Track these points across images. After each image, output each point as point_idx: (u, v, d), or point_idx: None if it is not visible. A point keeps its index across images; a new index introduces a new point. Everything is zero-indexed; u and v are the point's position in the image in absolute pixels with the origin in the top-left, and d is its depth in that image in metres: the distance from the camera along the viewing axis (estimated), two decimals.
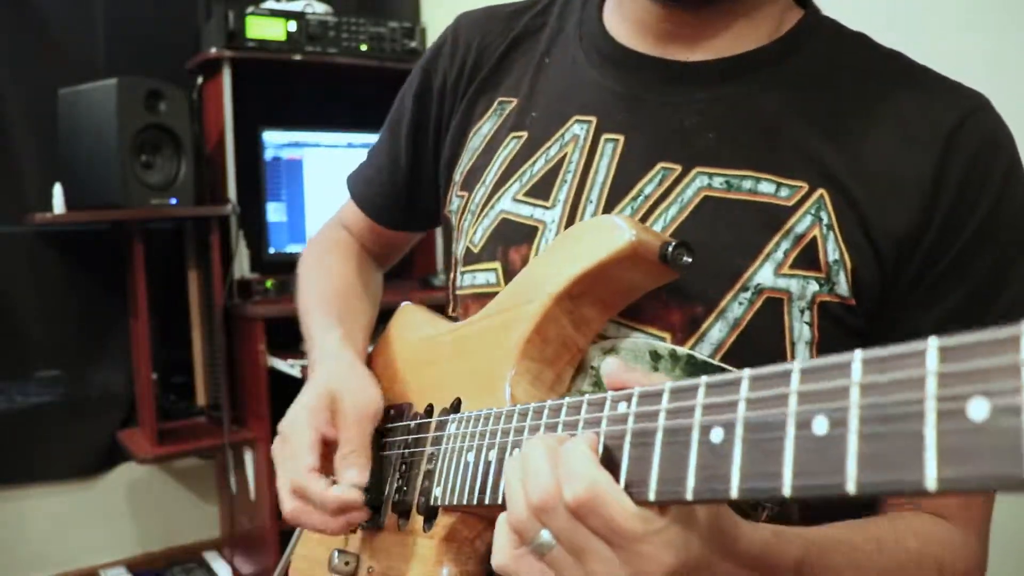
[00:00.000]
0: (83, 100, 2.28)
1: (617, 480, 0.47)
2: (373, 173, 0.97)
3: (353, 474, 0.72)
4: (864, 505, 0.70)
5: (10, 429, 2.46)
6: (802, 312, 0.65)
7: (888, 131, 0.66)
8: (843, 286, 0.65)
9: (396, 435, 0.76)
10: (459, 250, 0.82)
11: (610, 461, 0.48)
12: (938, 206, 0.64)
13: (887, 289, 0.65)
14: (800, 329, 0.65)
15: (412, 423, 0.75)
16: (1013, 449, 0.27)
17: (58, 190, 2.33)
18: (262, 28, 2.47)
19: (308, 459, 0.72)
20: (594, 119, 0.75)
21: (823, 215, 0.65)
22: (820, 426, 0.35)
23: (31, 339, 2.50)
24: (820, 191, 0.66)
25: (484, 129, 0.82)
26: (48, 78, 2.38)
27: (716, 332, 0.65)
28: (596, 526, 0.46)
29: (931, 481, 0.30)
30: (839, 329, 0.65)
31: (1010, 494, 0.26)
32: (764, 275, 0.65)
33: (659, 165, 0.70)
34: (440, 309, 0.87)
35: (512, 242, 0.75)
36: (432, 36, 2.78)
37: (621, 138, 0.73)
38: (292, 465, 0.73)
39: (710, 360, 0.65)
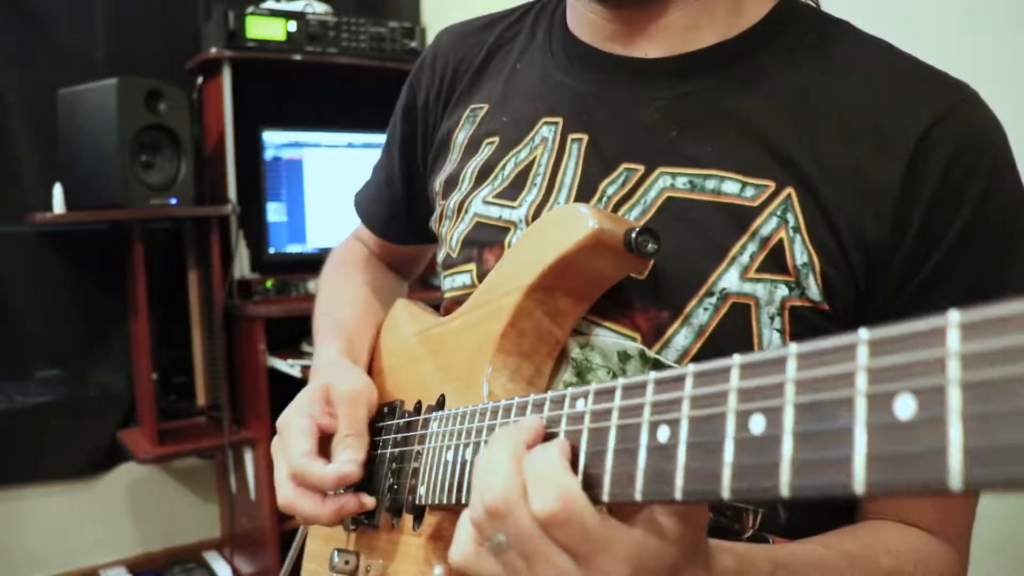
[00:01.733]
0: (83, 100, 2.28)
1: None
2: (374, 191, 1.01)
3: (349, 453, 0.71)
4: (848, 507, 0.68)
5: (10, 429, 2.46)
6: (772, 318, 0.62)
7: (861, 130, 0.63)
8: (814, 290, 0.62)
9: (388, 433, 0.76)
10: (441, 256, 0.83)
11: (573, 465, 0.46)
12: (912, 213, 0.61)
13: (864, 295, 0.63)
14: (770, 336, 0.63)
15: (401, 421, 0.75)
16: (937, 450, 0.25)
17: (58, 190, 2.33)
18: (262, 28, 2.47)
19: (304, 444, 0.72)
20: (561, 120, 0.74)
21: (789, 216, 0.62)
22: (757, 425, 0.34)
23: (31, 339, 2.50)
24: (787, 190, 0.63)
25: (459, 138, 0.83)
26: (48, 78, 2.38)
27: (682, 338, 0.64)
28: (562, 538, 0.44)
29: (859, 484, 0.28)
30: (813, 335, 0.62)
31: (935, 496, 0.24)
32: (730, 279, 0.63)
33: (622, 166, 0.69)
34: (439, 307, 0.87)
35: (486, 243, 0.75)
36: (432, 36, 2.77)
37: (585, 137, 0.72)
38: (288, 452, 0.72)
39: (675, 366, 0.64)
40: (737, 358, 0.36)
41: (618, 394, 0.44)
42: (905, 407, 0.27)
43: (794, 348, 0.33)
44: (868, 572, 0.59)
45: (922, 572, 0.62)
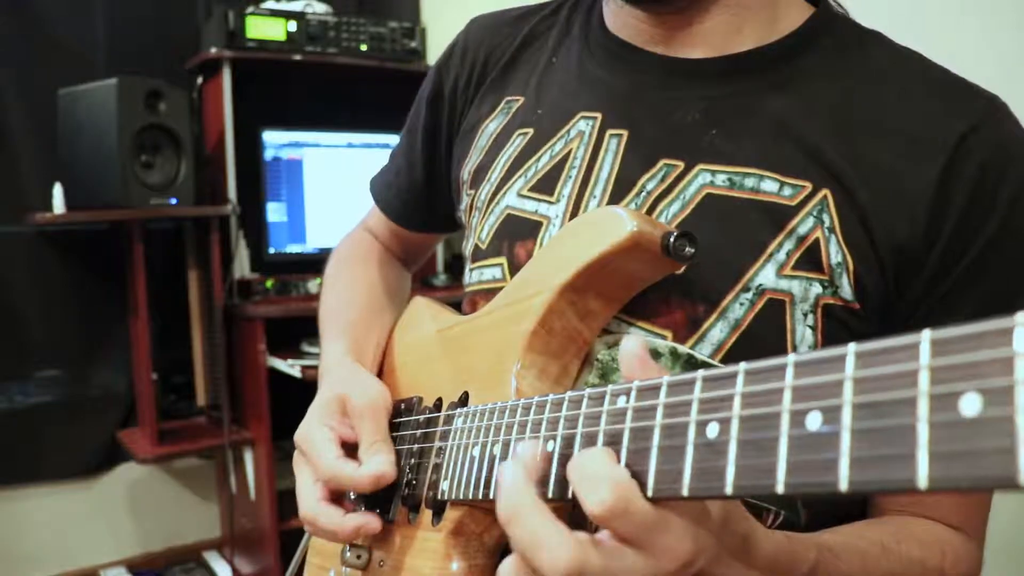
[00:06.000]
0: (83, 100, 2.28)
1: None
2: (392, 177, 1.00)
3: (380, 458, 0.71)
4: (863, 502, 0.70)
5: (10, 429, 2.46)
6: (805, 315, 0.64)
7: (897, 135, 0.65)
8: (847, 289, 0.64)
9: (406, 429, 0.76)
10: (468, 247, 0.83)
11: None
12: (946, 217, 0.62)
13: (893, 297, 0.64)
14: (802, 332, 0.64)
15: (421, 417, 0.75)
16: (1005, 447, 0.26)
17: (58, 190, 2.33)
18: (262, 28, 2.47)
19: (333, 450, 0.71)
20: (599, 115, 0.75)
21: (825, 217, 0.64)
22: (814, 422, 0.35)
23: (31, 339, 2.49)
24: (824, 191, 0.65)
25: (491, 127, 0.83)
26: (48, 78, 2.38)
27: (717, 332, 0.65)
28: (622, 529, 0.44)
29: (923, 480, 0.29)
30: (845, 333, 0.64)
31: (1003, 492, 0.25)
32: (766, 275, 0.64)
33: (662, 161, 0.70)
34: (454, 305, 0.88)
35: (517, 237, 0.75)
36: (432, 36, 2.78)
37: (625, 133, 0.73)
38: (319, 461, 0.72)
39: (710, 360, 0.65)
40: (792, 356, 0.37)
41: (663, 391, 0.45)
42: (971, 405, 0.28)
43: (852, 347, 0.34)
44: (900, 559, 0.61)
45: (951, 561, 0.64)
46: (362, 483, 0.70)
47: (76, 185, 2.32)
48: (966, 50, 1.42)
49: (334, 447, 0.72)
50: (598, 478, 0.45)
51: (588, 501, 0.45)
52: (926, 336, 0.30)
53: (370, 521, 0.70)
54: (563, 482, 0.49)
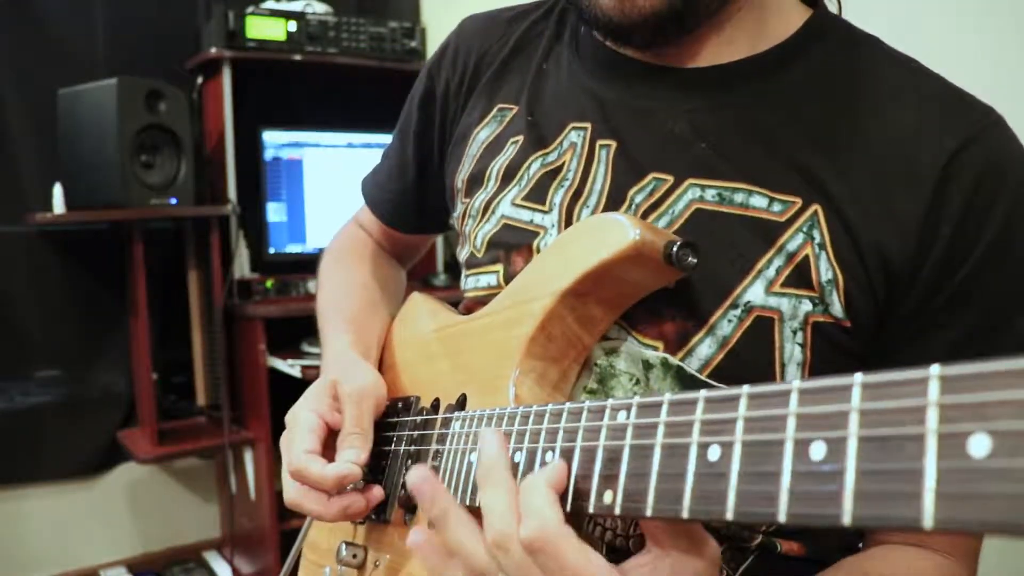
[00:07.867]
0: (83, 100, 2.27)
1: (614, 494, 0.46)
2: (384, 178, 0.99)
3: (351, 453, 0.71)
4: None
5: (10, 429, 2.46)
6: (794, 332, 0.63)
7: (888, 149, 0.63)
8: (837, 307, 0.63)
9: (402, 429, 0.76)
10: (464, 255, 0.83)
11: (608, 477, 0.47)
12: (938, 233, 0.61)
13: (883, 315, 0.63)
14: (791, 350, 0.63)
15: (418, 418, 0.75)
16: (1014, 493, 0.26)
17: (58, 190, 2.32)
18: (262, 28, 2.46)
19: (307, 441, 0.72)
20: (589, 125, 0.74)
21: (815, 233, 0.63)
22: (818, 452, 0.34)
23: (31, 339, 2.49)
24: (814, 207, 0.64)
25: (483, 135, 0.82)
26: (48, 78, 2.37)
27: (705, 348, 0.64)
28: (547, 565, 0.47)
29: (928, 520, 0.29)
30: (834, 351, 0.64)
31: (1013, 539, 0.25)
32: (755, 293, 0.63)
33: (651, 175, 0.69)
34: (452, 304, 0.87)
35: (513, 246, 0.75)
36: (432, 36, 2.77)
37: (614, 143, 0.72)
38: (291, 449, 0.73)
39: (698, 375, 0.64)
40: (796, 383, 0.37)
41: (664, 409, 0.45)
42: (979, 446, 0.27)
43: (859, 377, 0.33)
44: None
45: None
46: (326, 483, 0.70)
47: (76, 185, 2.32)
48: (964, 51, 1.41)
49: (310, 438, 0.72)
50: (531, 506, 0.49)
51: (520, 526, 0.49)
52: (935, 371, 0.30)
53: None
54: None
